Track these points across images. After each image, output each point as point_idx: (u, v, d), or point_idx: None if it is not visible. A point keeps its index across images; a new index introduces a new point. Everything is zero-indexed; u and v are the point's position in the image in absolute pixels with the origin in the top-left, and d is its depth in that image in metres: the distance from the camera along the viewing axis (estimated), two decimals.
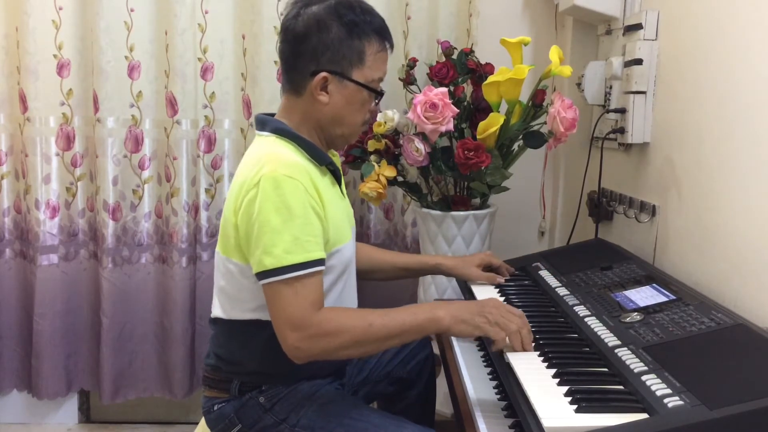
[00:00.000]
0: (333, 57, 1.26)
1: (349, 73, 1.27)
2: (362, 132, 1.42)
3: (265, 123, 1.32)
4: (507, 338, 1.17)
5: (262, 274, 1.17)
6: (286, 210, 1.17)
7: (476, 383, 1.30)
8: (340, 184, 1.37)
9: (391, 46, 1.34)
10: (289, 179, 1.18)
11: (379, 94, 1.33)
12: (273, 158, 1.21)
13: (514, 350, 1.16)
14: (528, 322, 1.20)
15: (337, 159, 1.42)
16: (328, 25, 1.25)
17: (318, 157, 1.29)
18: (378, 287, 2.07)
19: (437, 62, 1.91)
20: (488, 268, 1.61)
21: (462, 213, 1.85)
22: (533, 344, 1.18)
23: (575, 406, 0.95)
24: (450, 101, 1.71)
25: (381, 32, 1.30)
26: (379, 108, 1.38)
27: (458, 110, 1.74)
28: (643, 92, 1.65)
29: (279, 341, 1.17)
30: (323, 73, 1.26)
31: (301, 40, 1.27)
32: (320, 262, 1.19)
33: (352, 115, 1.31)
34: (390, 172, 1.83)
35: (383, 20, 1.32)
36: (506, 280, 1.59)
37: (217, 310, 1.35)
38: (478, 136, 1.71)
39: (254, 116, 1.37)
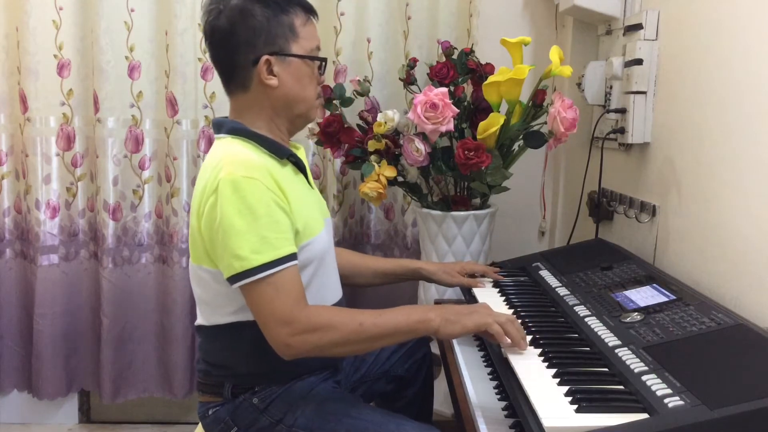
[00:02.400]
0: (267, 38, 1.26)
1: (288, 49, 1.27)
2: (320, 105, 1.41)
3: (221, 125, 1.31)
4: (502, 331, 1.17)
5: (233, 278, 1.17)
6: (248, 211, 1.16)
7: (476, 383, 1.30)
8: (306, 176, 1.36)
9: (315, 14, 1.34)
10: (248, 179, 1.17)
11: (323, 60, 1.33)
12: (230, 160, 1.21)
13: (514, 344, 1.17)
14: (516, 320, 1.21)
15: (302, 151, 1.41)
16: (251, 11, 1.25)
17: (277, 151, 1.28)
18: (378, 288, 2.08)
19: (437, 62, 1.91)
20: (472, 275, 1.61)
21: (462, 213, 1.85)
22: (533, 344, 1.18)
23: (575, 406, 0.95)
24: (450, 101, 1.71)
25: (301, 3, 1.30)
26: (324, 78, 1.37)
27: (458, 110, 1.74)
28: (643, 92, 1.65)
29: (268, 340, 1.17)
30: (265, 57, 1.26)
31: (230, 34, 1.26)
32: (292, 257, 1.19)
33: (303, 90, 1.31)
34: (390, 172, 1.83)
35: None
36: (507, 280, 1.59)
37: (199, 318, 1.35)
38: (478, 136, 1.71)
39: (212, 120, 1.36)
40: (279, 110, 1.30)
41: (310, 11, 1.32)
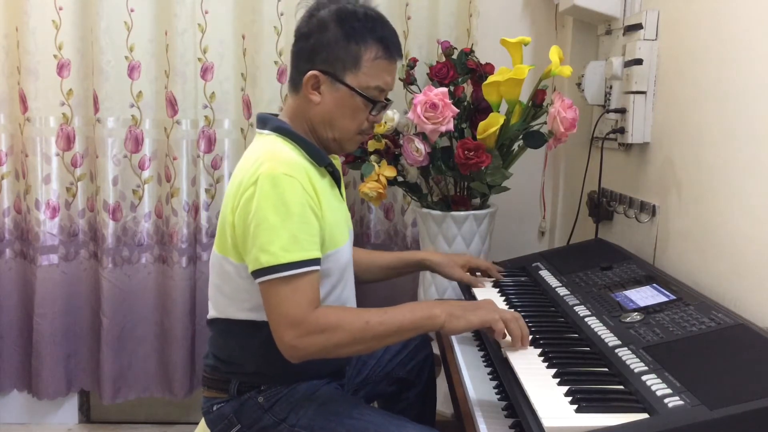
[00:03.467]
0: (327, 57, 1.26)
1: (341, 76, 1.27)
2: (360, 141, 1.40)
3: (266, 121, 1.32)
4: (505, 330, 1.18)
5: (258, 272, 1.17)
6: (284, 208, 1.16)
7: (476, 383, 1.30)
8: (339, 187, 1.37)
9: (399, 57, 1.33)
10: (288, 177, 1.18)
11: (374, 102, 1.30)
12: (272, 156, 1.22)
13: (513, 341, 1.17)
14: (521, 318, 1.21)
15: (338, 162, 1.42)
16: (328, 27, 1.26)
17: (318, 157, 1.29)
18: (378, 287, 2.07)
19: (437, 62, 1.91)
20: (474, 269, 1.61)
21: (462, 213, 1.85)
22: (533, 344, 1.18)
23: (575, 406, 0.95)
24: (450, 101, 1.71)
25: (382, 40, 1.28)
26: (381, 119, 1.37)
27: (458, 110, 1.74)
28: (643, 92, 1.65)
29: (275, 340, 1.17)
30: (313, 72, 1.27)
31: (304, 38, 1.29)
32: (317, 261, 1.19)
33: (342, 119, 1.30)
34: (390, 172, 1.83)
35: (392, 31, 1.31)
36: (507, 280, 1.59)
37: (213, 311, 1.35)
38: (478, 136, 1.71)
39: (255, 115, 1.37)
40: (315, 125, 1.31)
41: (391, 51, 1.29)
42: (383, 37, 1.29)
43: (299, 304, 1.15)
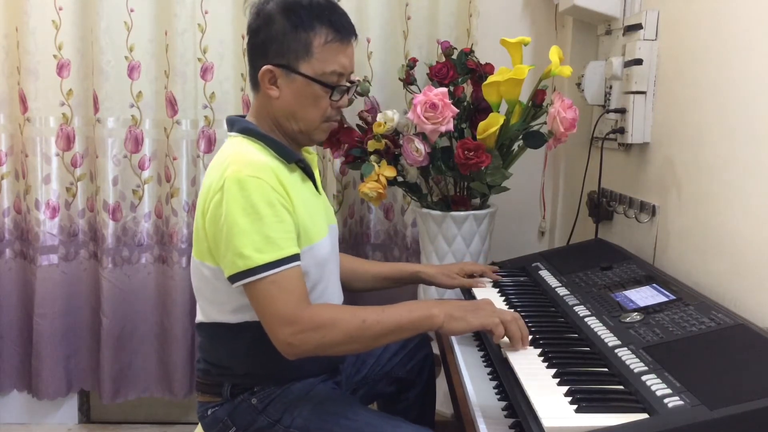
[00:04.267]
0: (278, 50, 1.26)
1: (295, 66, 1.26)
2: (329, 129, 1.36)
3: (234, 123, 1.32)
4: (504, 331, 1.17)
5: (235, 277, 1.17)
6: (253, 210, 1.16)
7: (476, 383, 1.30)
8: (313, 181, 1.36)
9: (352, 36, 1.30)
10: (254, 179, 1.17)
11: (332, 87, 1.28)
12: (237, 159, 1.21)
13: (513, 343, 1.17)
14: (521, 318, 1.21)
15: (312, 157, 1.41)
16: (273, 19, 1.26)
17: (285, 154, 1.28)
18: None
19: (437, 62, 1.91)
20: (471, 276, 1.61)
21: (462, 213, 1.85)
22: (533, 344, 1.18)
23: (575, 406, 0.95)
24: (450, 101, 1.70)
25: (330, 24, 1.26)
26: (345, 103, 1.35)
27: (458, 110, 1.74)
28: (643, 92, 1.65)
29: (271, 339, 1.16)
30: (267, 66, 1.26)
31: (254, 35, 1.28)
32: (295, 257, 1.19)
33: (304, 109, 1.29)
34: (390, 172, 1.83)
35: (341, 13, 1.29)
36: (506, 280, 1.59)
37: (199, 315, 1.35)
38: (478, 136, 1.71)
39: (226, 117, 1.38)
40: (280, 120, 1.31)
41: (341, 34, 1.27)
42: (331, 20, 1.27)
43: (288, 301, 1.15)
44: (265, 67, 1.26)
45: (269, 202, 1.17)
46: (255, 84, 1.31)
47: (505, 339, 1.18)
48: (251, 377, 1.31)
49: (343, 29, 1.28)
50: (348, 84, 1.32)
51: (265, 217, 1.16)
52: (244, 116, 1.35)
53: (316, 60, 1.26)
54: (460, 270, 1.60)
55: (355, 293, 1.65)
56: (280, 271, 1.16)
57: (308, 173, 1.34)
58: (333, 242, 1.40)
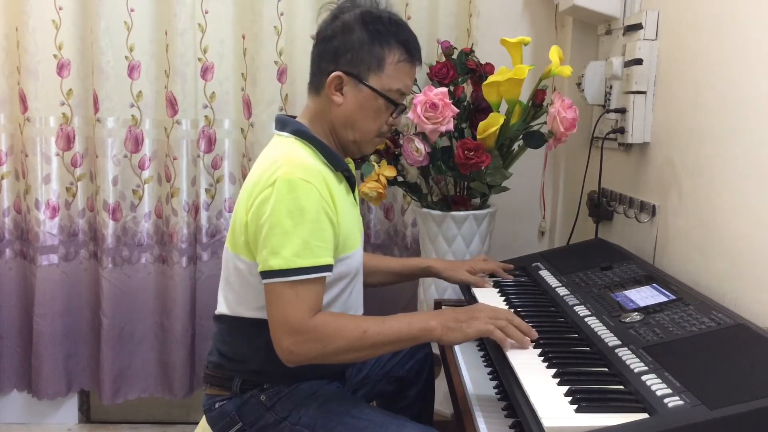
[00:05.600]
0: (352, 59, 1.27)
1: (365, 78, 1.28)
2: (378, 144, 1.42)
3: (286, 123, 1.32)
4: (504, 333, 1.18)
5: (266, 274, 1.17)
6: (298, 213, 1.17)
7: (476, 383, 1.30)
8: (354, 192, 1.37)
9: (419, 61, 1.34)
10: (305, 183, 1.18)
11: (395, 104, 1.32)
12: (290, 160, 1.22)
13: (520, 344, 1.17)
14: (515, 315, 1.22)
15: (353, 166, 1.43)
16: (352, 29, 1.27)
17: (335, 162, 1.29)
18: (378, 288, 2.07)
19: (437, 62, 1.91)
20: (480, 273, 1.61)
21: (462, 213, 1.85)
22: (533, 344, 1.18)
23: (575, 406, 0.95)
24: (450, 101, 1.71)
25: (405, 44, 1.30)
26: (400, 122, 1.39)
27: (458, 110, 1.74)
28: (643, 92, 1.65)
29: (273, 343, 1.17)
30: (338, 72, 1.27)
31: (327, 40, 1.30)
32: (327, 268, 1.20)
33: (364, 120, 1.31)
34: (390, 172, 1.83)
35: (412, 36, 1.33)
36: (507, 280, 1.59)
37: (222, 307, 1.35)
38: (478, 136, 1.71)
39: (276, 116, 1.39)
40: (336, 127, 1.32)
41: (413, 56, 1.32)
42: (406, 40, 1.30)
43: (300, 310, 1.15)
44: (335, 73, 1.27)
45: (315, 208, 1.18)
46: (317, 87, 1.32)
47: (510, 343, 1.18)
48: (263, 374, 1.31)
49: (416, 52, 1.33)
50: (405, 104, 1.36)
51: (308, 222, 1.17)
52: (294, 117, 1.35)
53: (386, 76, 1.29)
54: (470, 268, 1.60)
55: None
56: (308, 278, 1.16)
57: (351, 183, 1.35)
58: (362, 252, 1.42)
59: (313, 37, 1.35)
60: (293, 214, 1.16)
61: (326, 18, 1.33)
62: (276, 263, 1.16)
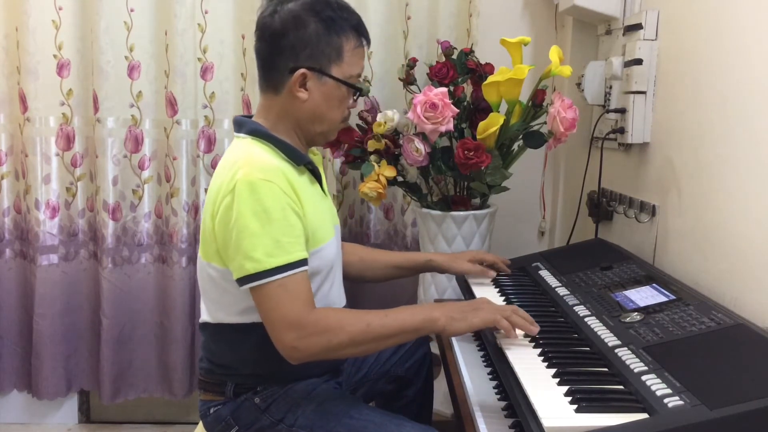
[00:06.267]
0: (312, 53, 1.26)
1: (327, 70, 1.27)
2: (342, 128, 1.41)
3: (242, 124, 1.31)
4: (510, 325, 1.19)
5: (244, 279, 1.17)
6: (264, 214, 1.16)
7: (476, 383, 1.30)
8: (320, 183, 1.36)
9: (368, 42, 1.34)
10: (265, 182, 1.17)
11: (358, 89, 1.33)
12: (248, 161, 1.21)
13: (526, 330, 1.19)
14: (519, 308, 1.22)
15: (318, 158, 1.41)
16: (305, 22, 1.25)
17: (295, 157, 1.28)
18: (377, 287, 2.07)
19: (437, 62, 1.91)
20: (481, 263, 1.61)
21: (462, 213, 1.85)
22: (533, 344, 1.19)
23: (575, 406, 0.95)
24: (450, 101, 1.70)
25: (358, 28, 1.29)
26: (356, 104, 1.38)
27: (458, 110, 1.74)
28: (643, 92, 1.65)
29: (275, 343, 1.17)
30: (302, 70, 1.26)
31: (279, 37, 1.26)
32: (303, 262, 1.19)
33: (330, 111, 1.30)
34: (390, 172, 1.83)
35: (359, 17, 1.32)
36: (506, 280, 1.59)
37: (204, 315, 1.35)
38: (478, 136, 1.71)
39: (233, 118, 1.37)
40: (302, 122, 1.31)
41: (364, 39, 1.32)
42: (357, 24, 1.30)
43: (295, 306, 1.15)
44: (300, 71, 1.26)
45: (280, 206, 1.18)
46: (274, 85, 1.29)
47: (515, 333, 1.19)
48: (255, 377, 1.31)
49: (366, 35, 1.32)
50: (363, 86, 1.36)
51: (275, 221, 1.17)
52: (250, 116, 1.35)
53: (346, 63, 1.28)
54: (472, 257, 1.60)
55: (354, 291, 1.65)
56: (288, 275, 1.16)
57: (316, 175, 1.34)
58: (338, 242, 1.41)
59: (256, 30, 1.31)
60: (258, 215, 1.16)
61: (266, 12, 1.29)
62: (251, 266, 1.16)
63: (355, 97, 1.33)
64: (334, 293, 1.38)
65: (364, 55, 1.33)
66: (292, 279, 1.16)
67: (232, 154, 1.28)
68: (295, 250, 1.18)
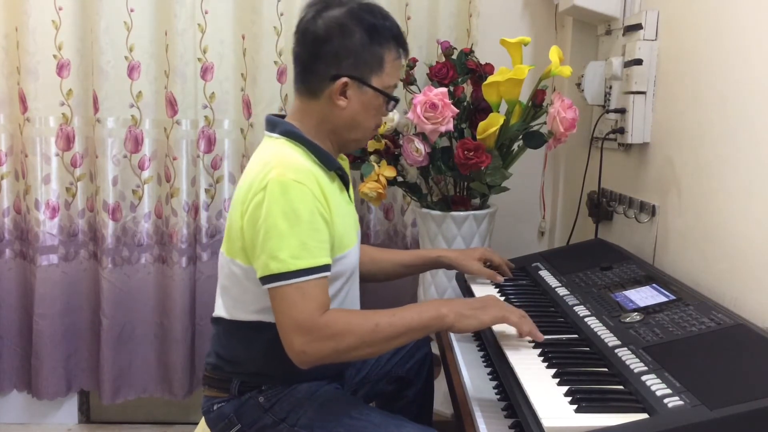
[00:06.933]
0: (355, 62, 1.26)
1: (368, 79, 1.27)
2: (373, 136, 1.44)
3: (275, 125, 1.31)
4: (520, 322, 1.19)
5: (267, 278, 1.17)
6: (293, 215, 1.16)
7: (476, 383, 1.30)
8: (347, 190, 1.37)
9: (406, 55, 1.35)
10: (298, 184, 1.17)
11: (395, 100, 1.33)
12: (281, 162, 1.21)
13: (535, 337, 1.18)
14: (527, 314, 1.22)
15: (346, 164, 1.42)
16: (350, 30, 1.25)
17: (327, 162, 1.28)
18: (379, 287, 2.07)
19: (437, 62, 1.91)
20: (488, 264, 1.61)
21: (462, 213, 1.85)
22: (533, 344, 1.19)
23: (575, 406, 0.95)
24: (450, 101, 1.71)
25: (398, 40, 1.30)
26: (388, 114, 1.40)
27: (458, 110, 1.74)
28: (643, 92, 1.65)
29: (284, 346, 1.16)
30: (344, 78, 1.25)
31: (322, 43, 1.26)
32: (326, 267, 1.19)
33: (367, 120, 1.31)
34: (390, 172, 1.83)
35: (399, 27, 1.33)
36: (506, 280, 1.59)
37: (220, 310, 1.35)
38: (478, 136, 1.71)
39: (265, 117, 1.36)
40: (338, 129, 1.31)
41: (405, 51, 1.33)
42: (398, 35, 1.31)
43: (308, 310, 1.15)
44: (343, 79, 1.25)
45: (309, 209, 1.18)
46: (312, 90, 1.28)
47: (507, 333, 1.18)
48: (262, 376, 1.31)
49: (406, 46, 1.34)
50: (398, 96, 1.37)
51: (303, 223, 1.17)
52: (282, 116, 1.34)
53: (386, 74, 1.29)
54: (481, 255, 1.60)
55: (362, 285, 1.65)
56: (309, 279, 1.16)
57: (345, 182, 1.35)
58: (359, 250, 1.41)
59: (296, 33, 1.30)
60: (288, 216, 1.16)
61: (308, 16, 1.28)
62: (275, 266, 1.16)
63: (389, 107, 1.34)
64: (352, 296, 1.38)
65: (401, 66, 1.34)
66: (312, 283, 1.16)
67: (264, 153, 1.28)
68: (320, 255, 1.18)
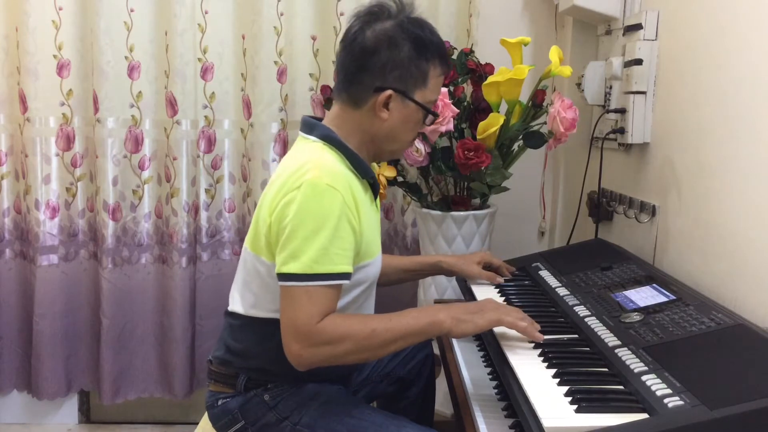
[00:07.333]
0: (400, 76, 1.26)
1: (412, 93, 1.27)
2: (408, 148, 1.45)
3: (313, 127, 1.31)
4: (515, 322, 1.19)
5: (283, 276, 1.17)
6: (321, 219, 1.16)
7: (476, 383, 1.30)
8: (376, 199, 1.37)
9: (449, 71, 1.35)
10: (331, 188, 1.17)
11: (435, 116, 1.34)
12: (318, 165, 1.21)
13: (534, 338, 1.18)
14: (525, 314, 1.22)
15: (374, 168, 1.42)
16: (399, 44, 1.25)
17: (362, 170, 1.29)
18: (378, 289, 2.07)
19: None
20: (488, 267, 1.61)
21: (462, 213, 1.85)
22: (533, 344, 1.19)
23: (575, 406, 0.95)
24: (450, 101, 1.71)
25: (443, 57, 1.30)
26: (426, 129, 1.42)
27: (458, 110, 1.74)
28: (643, 92, 1.65)
29: (283, 345, 1.16)
30: (389, 91, 1.25)
31: (370, 54, 1.25)
32: (345, 276, 1.19)
33: (405, 133, 1.31)
34: (390, 172, 1.83)
35: (444, 44, 1.33)
36: (506, 280, 1.59)
37: (236, 305, 1.34)
38: (478, 136, 1.71)
39: (302, 118, 1.37)
40: (376, 139, 1.31)
41: (448, 68, 1.33)
42: (444, 53, 1.31)
43: (311, 315, 1.15)
44: (387, 92, 1.25)
45: (338, 215, 1.17)
46: (355, 99, 1.28)
47: (507, 334, 1.18)
48: (270, 374, 1.31)
49: (449, 62, 1.35)
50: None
51: (330, 229, 1.16)
52: (319, 119, 1.34)
53: (429, 90, 1.29)
54: (480, 259, 1.61)
55: None
56: (322, 284, 1.16)
57: (375, 190, 1.35)
58: (381, 258, 1.41)
59: (343, 42, 1.30)
60: (316, 219, 1.16)
61: (355, 27, 1.28)
62: (294, 267, 1.16)
63: (427, 121, 1.34)
64: (369, 303, 1.38)
65: (442, 82, 1.34)
66: (322, 289, 1.16)
67: (300, 155, 1.27)
68: (339, 262, 1.18)
